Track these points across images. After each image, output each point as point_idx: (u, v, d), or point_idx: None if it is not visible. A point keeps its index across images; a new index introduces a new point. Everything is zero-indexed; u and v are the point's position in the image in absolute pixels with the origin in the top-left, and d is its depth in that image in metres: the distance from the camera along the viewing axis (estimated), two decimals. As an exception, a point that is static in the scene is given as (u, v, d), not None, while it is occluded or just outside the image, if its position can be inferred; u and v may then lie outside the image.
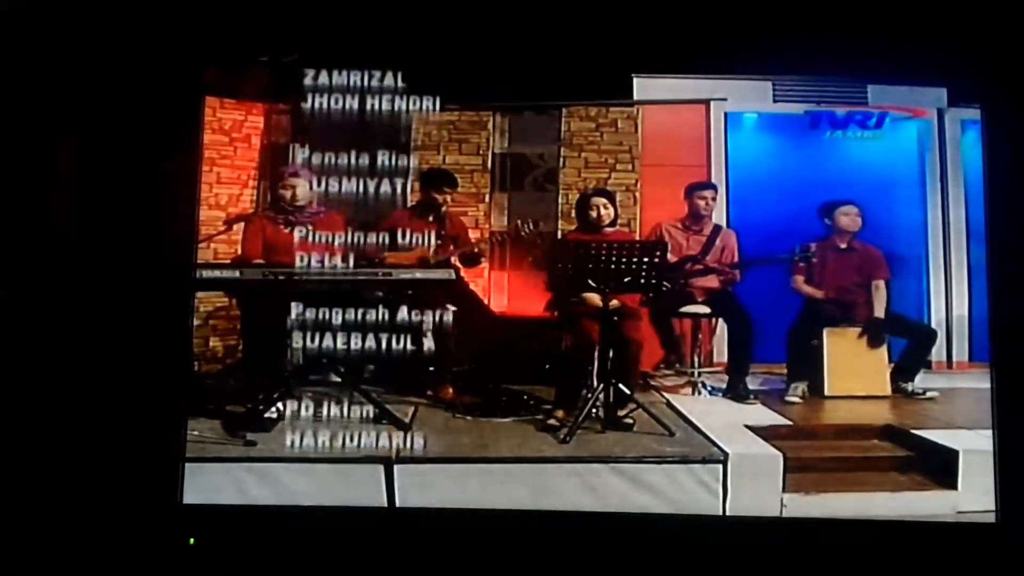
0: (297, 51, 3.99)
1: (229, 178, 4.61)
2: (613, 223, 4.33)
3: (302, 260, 3.98)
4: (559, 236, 4.64)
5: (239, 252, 4.32)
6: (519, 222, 4.49)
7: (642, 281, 4.03)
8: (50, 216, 3.82)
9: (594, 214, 4.30)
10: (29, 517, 3.60)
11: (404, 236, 4.30)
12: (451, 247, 4.47)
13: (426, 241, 4.27)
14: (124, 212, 3.83)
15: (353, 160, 4.02)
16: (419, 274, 4.10)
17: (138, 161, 3.84)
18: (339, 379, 4.05)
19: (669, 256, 4.34)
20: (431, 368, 4.25)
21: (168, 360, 3.79)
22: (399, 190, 4.10)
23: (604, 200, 4.32)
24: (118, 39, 3.84)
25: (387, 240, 4.17)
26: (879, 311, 4.46)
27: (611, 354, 4.00)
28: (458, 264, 4.40)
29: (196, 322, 4.20)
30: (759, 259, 4.52)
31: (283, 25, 3.93)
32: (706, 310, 4.56)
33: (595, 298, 4.09)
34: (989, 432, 3.70)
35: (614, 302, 4.06)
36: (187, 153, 3.96)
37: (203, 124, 4.16)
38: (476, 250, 4.54)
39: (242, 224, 4.36)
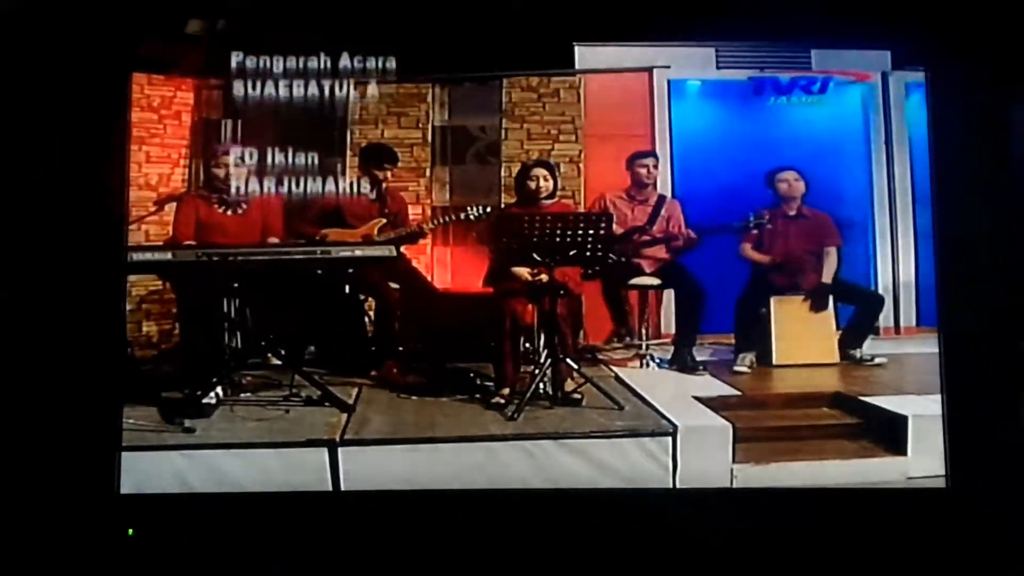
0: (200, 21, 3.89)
1: (159, 157, 4.46)
2: (552, 195, 4.28)
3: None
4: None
5: (171, 233, 4.22)
6: (468, 208, 4.42)
7: (587, 254, 3.98)
8: (-30, 201, 3.69)
9: (533, 185, 4.24)
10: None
11: (345, 214, 4.27)
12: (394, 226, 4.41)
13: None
14: (50, 194, 3.70)
15: (288, 136, 3.95)
16: (359, 252, 4.04)
17: (64, 142, 3.71)
18: (279, 362, 4.02)
19: (615, 228, 4.30)
20: (374, 348, 4.20)
21: (101, 346, 3.68)
22: (337, 167, 4.04)
23: (544, 171, 4.27)
24: (39, 15, 3.70)
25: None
26: (827, 277, 4.45)
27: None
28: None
29: (129, 307, 4.07)
30: (713, 228, 4.48)
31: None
32: (656, 281, 4.52)
33: (523, 272, 4.06)
34: (938, 397, 3.70)
35: (542, 276, 4.01)
36: (114, 132, 3.84)
37: (130, 101, 4.02)
38: (420, 228, 4.46)
39: (174, 204, 4.25)
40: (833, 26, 3.94)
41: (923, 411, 3.74)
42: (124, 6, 3.74)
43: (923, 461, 3.68)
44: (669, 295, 4.58)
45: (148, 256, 3.97)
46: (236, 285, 3.90)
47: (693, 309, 4.42)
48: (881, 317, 4.51)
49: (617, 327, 4.63)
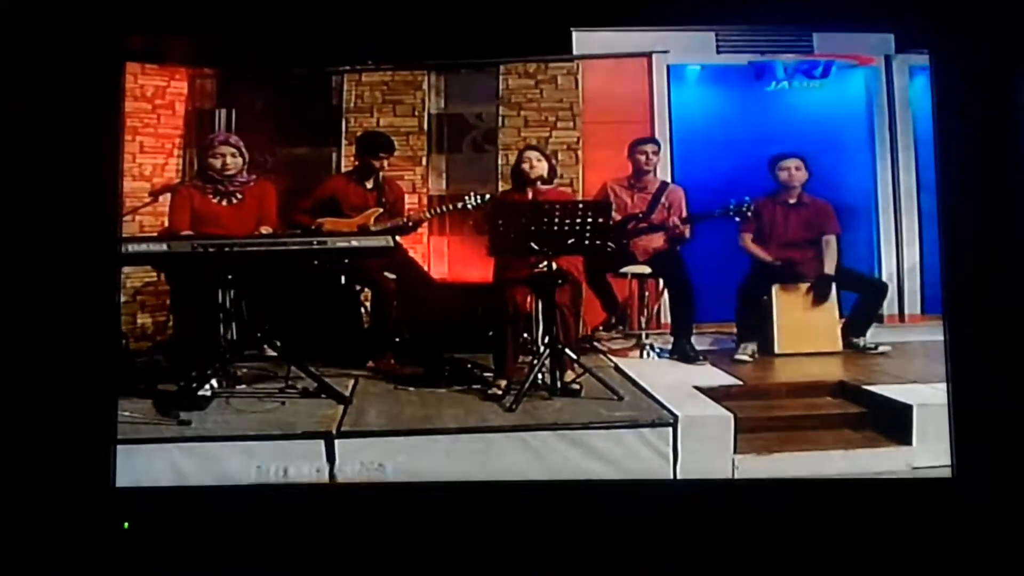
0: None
1: (153, 147, 4.45)
2: (549, 180, 4.23)
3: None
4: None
5: (166, 224, 4.21)
6: (467, 196, 4.37)
7: (586, 243, 3.93)
8: (-37, 192, 3.67)
9: (527, 167, 4.19)
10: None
11: (341, 203, 4.25)
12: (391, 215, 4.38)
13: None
14: (44, 186, 3.66)
15: (283, 125, 3.93)
16: (355, 242, 3.99)
17: (57, 133, 3.68)
18: (275, 353, 3.99)
19: (614, 215, 4.26)
20: (370, 339, 4.17)
21: (96, 339, 3.65)
22: (332, 155, 4.01)
23: (536, 154, 4.22)
24: (30, 4, 3.67)
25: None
26: (829, 267, 4.42)
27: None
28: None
29: (123, 298, 4.06)
30: (699, 215, 4.43)
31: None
32: (646, 270, 4.49)
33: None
34: (943, 385, 3.66)
35: (542, 266, 3.96)
36: (108, 122, 3.81)
37: (124, 91, 3.99)
38: (418, 219, 4.43)
39: (168, 195, 4.23)
40: (835, 8, 3.89)
41: (928, 400, 3.70)
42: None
43: (928, 450, 3.64)
44: (668, 284, 4.56)
45: (143, 247, 3.94)
46: (231, 276, 3.86)
47: (681, 301, 4.40)
48: (885, 305, 4.48)
49: (608, 315, 4.60)
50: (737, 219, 4.38)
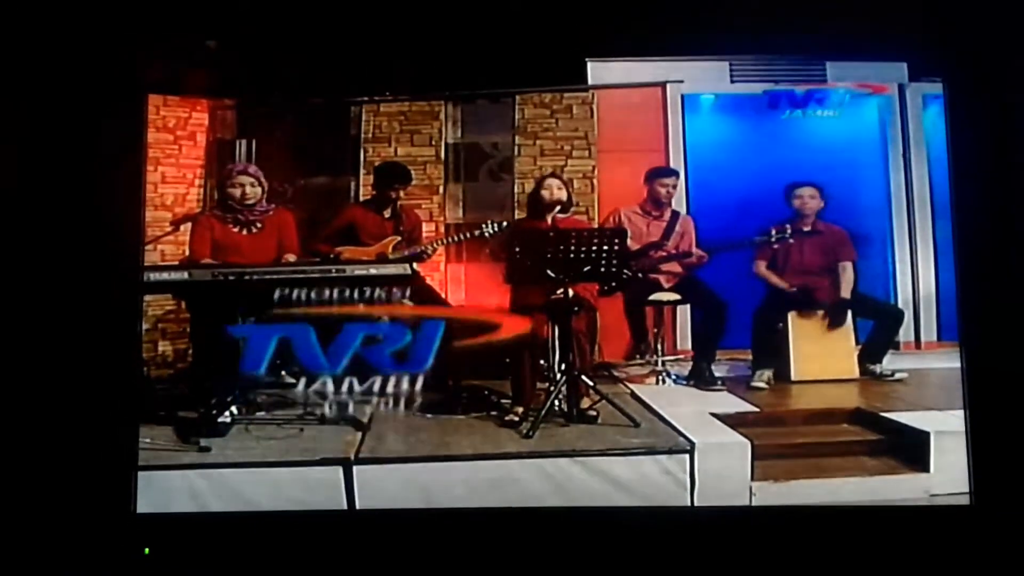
0: (215, 39, 3.91)
1: (175, 177, 4.50)
2: (566, 209, 4.22)
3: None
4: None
5: (187, 253, 4.24)
6: (484, 223, 4.41)
7: (602, 270, 3.95)
8: (-11, 221, 3.73)
9: (547, 195, 4.17)
10: (-21, 531, 3.52)
11: (360, 232, 4.28)
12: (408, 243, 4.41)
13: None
14: (68, 215, 3.72)
15: (302, 155, 3.97)
16: (373, 270, 4.02)
17: (81, 163, 3.74)
18: (293, 380, 3.98)
19: (629, 243, 4.27)
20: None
21: (117, 366, 3.69)
22: (351, 185, 4.04)
23: (558, 182, 4.22)
24: (56, 37, 3.74)
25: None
26: (845, 293, 4.42)
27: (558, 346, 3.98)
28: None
29: (145, 326, 4.11)
30: (729, 243, 4.45)
31: (224, 17, 3.85)
32: (676, 297, 4.50)
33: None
34: (960, 412, 3.65)
35: (558, 293, 3.97)
36: (131, 153, 3.87)
37: (146, 122, 4.05)
38: (434, 247, 4.46)
39: (189, 224, 4.28)
40: (848, 38, 3.91)
41: (945, 427, 3.68)
42: (140, 30, 3.78)
43: (946, 478, 3.61)
44: (683, 310, 4.56)
45: (164, 276, 3.98)
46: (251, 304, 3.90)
47: (715, 323, 4.39)
48: (901, 331, 4.47)
49: (636, 343, 4.61)
50: (776, 246, 4.41)
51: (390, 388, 3.85)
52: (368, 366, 3.86)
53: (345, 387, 3.87)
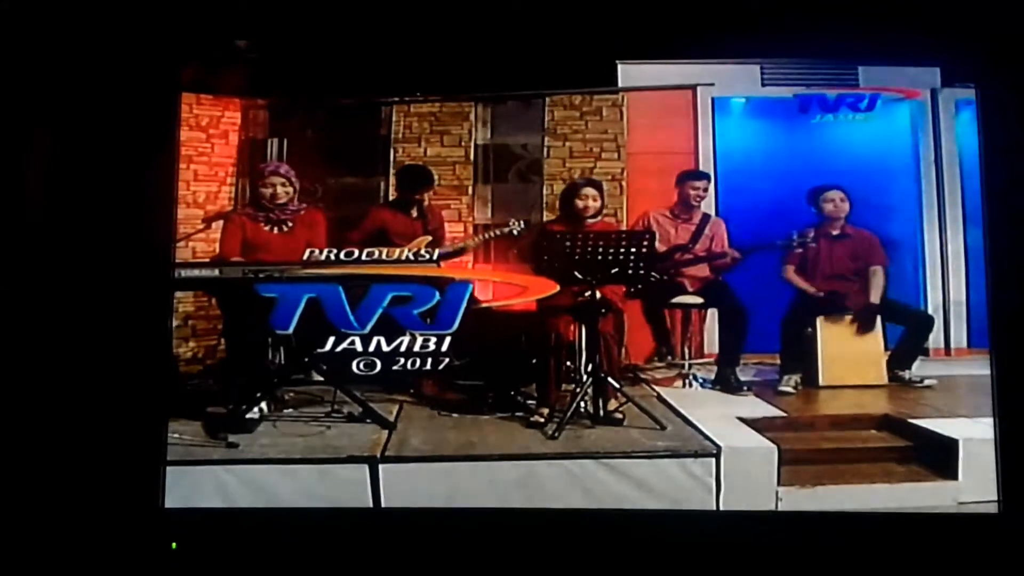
0: (246, 39, 3.94)
1: (207, 175, 4.52)
2: (597, 215, 4.23)
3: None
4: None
5: (218, 251, 4.25)
6: (512, 221, 4.41)
7: (629, 272, 3.96)
8: (25, 217, 3.77)
9: (581, 205, 4.19)
10: (8, 523, 3.55)
11: (390, 232, 4.29)
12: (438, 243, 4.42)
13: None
14: (101, 212, 3.79)
15: (332, 155, 3.98)
16: (404, 270, 4.03)
17: (115, 160, 3.80)
18: (322, 378, 4.02)
19: (657, 245, 4.27)
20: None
21: (148, 362, 3.75)
22: (381, 185, 4.05)
23: (594, 192, 4.22)
24: (92, 36, 3.79)
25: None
26: (875, 297, 4.38)
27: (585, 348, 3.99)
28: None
29: (175, 323, 4.13)
30: (754, 246, 4.43)
31: (257, 17, 3.88)
32: (699, 300, 4.49)
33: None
34: (990, 420, 3.63)
35: (586, 295, 3.98)
36: (164, 151, 3.92)
37: (180, 121, 4.11)
38: (466, 245, 4.47)
39: (221, 222, 4.30)
40: (881, 42, 3.89)
41: (975, 435, 3.66)
42: (174, 28, 3.82)
43: (974, 486, 3.60)
44: (713, 314, 4.53)
45: (195, 273, 4.03)
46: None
47: (736, 328, 4.37)
48: (931, 338, 4.43)
49: (659, 345, 4.60)
50: (799, 250, 4.40)
51: (417, 347, 3.89)
52: (397, 326, 3.88)
53: (373, 346, 3.89)
